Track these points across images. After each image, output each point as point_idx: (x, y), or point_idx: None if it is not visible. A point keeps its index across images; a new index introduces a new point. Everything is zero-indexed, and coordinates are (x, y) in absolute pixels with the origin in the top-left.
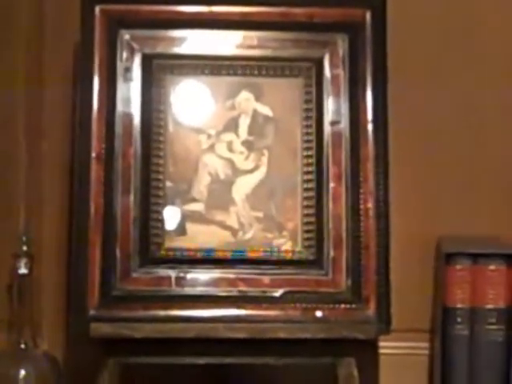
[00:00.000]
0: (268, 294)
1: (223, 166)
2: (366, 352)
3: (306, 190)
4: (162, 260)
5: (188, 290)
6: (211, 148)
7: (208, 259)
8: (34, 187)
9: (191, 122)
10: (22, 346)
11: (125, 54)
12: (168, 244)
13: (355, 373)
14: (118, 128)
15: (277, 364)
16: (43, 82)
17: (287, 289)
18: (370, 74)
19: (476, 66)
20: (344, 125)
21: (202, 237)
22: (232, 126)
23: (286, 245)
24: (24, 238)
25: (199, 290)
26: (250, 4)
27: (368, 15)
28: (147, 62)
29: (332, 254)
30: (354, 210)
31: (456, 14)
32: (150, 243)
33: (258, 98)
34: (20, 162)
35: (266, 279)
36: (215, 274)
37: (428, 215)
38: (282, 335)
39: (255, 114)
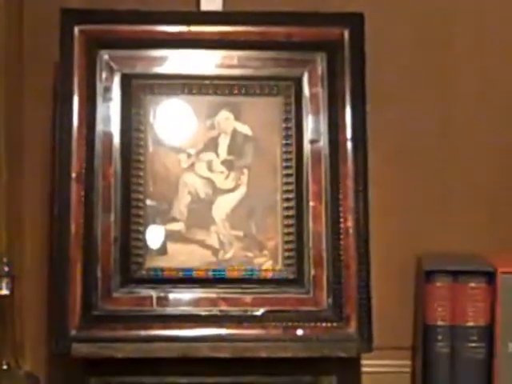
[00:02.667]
0: (249, 313)
1: (203, 186)
2: (347, 370)
3: (286, 208)
4: (143, 280)
5: (169, 310)
6: (191, 167)
7: (189, 279)
8: (15, 207)
9: (171, 142)
10: (4, 366)
11: (104, 74)
12: (149, 264)
13: None
14: (98, 147)
15: (258, 383)
16: (23, 103)
17: (268, 308)
18: (348, 92)
19: (452, 83)
20: (323, 143)
21: (182, 256)
22: (212, 145)
23: (266, 264)
24: (5, 259)
25: (181, 310)
26: (230, 23)
27: (346, 34)
28: (126, 81)
29: (313, 272)
30: (334, 229)
31: (432, 31)
32: (130, 263)
33: (237, 117)
34: (0, 182)
35: (248, 298)
36: (196, 293)
37: (408, 233)
38: (263, 354)
39: (235, 133)
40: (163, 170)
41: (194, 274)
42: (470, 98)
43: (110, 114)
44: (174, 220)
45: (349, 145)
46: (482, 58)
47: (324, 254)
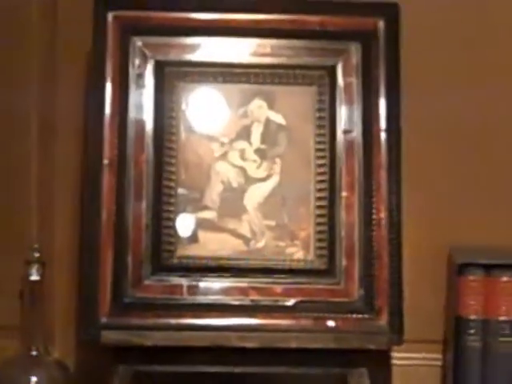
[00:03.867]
0: (280, 304)
1: (236, 174)
2: (378, 363)
3: (319, 198)
4: (173, 268)
5: (200, 299)
6: (224, 156)
7: (220, 267)
8: (46, 194)
9: (204, 130)
10: (34, 352)
11: (137, 61)
12: (180, 252)
13: (367, 383)
14: (130, 135)
15: (288, 374)
16: (56, 90)
17: (299, 298)
18: (383, 82)
19: (490, 72)
20: (357, 133)
21: (214, 245)
22: (245, 134)
23: (298, 254)
24: (36, 245)
25: (211, 299)
26: (263, 12)
27: (381, 23)
28: (160, 68)
29: (344, 263)
30: (367, 220)
31: (470, 20)
32: (161, 251)
33: (270, 106)
34: (32, 169)
35: (278, 288)
36: (227, 282)
37: (441, 225)
38: (293, 345)
39: (268, 122)
40: (195, 158)
41: (225, 262)
42: (510, 82)
43: (143, 101)
44: (206, 208)
45: (382, 135)
46: None
47: (356, 245)
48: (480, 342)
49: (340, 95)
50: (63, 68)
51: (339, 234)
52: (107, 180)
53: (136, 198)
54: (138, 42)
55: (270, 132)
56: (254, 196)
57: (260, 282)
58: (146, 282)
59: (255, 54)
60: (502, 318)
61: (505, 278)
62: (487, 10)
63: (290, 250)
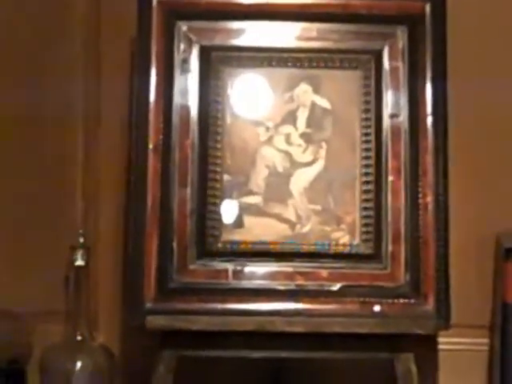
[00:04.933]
0: (326, 288)
1: (281, 159)
2: (424, 348)
3: (365, 183)
4: (219, 253)
5: (245, 284)
6: (269, 140)
7: (265, 252)
8: (91, 179)
9: (249, 115)
10: (79, 337)
11: (182, 46)
12: (225, 237)
13: (414, 368)
14: (175, 120)
15: (334, 359)
16: (101, 74)
17: (345, 283)
18: (429, 67)
19: None
20: (403, 118)
21: (259, 230)
22: (290, 118)
23: (343, 238)
24: (81, 230)
25: (256, 284)
26: None
27: (428, 7)
28: (205, 53)
29: (390, 248)
30: (413, 204)
31: None
32: (206, 236)
33: (316, 91)
34: (78, 154)
35: (324, 273)
36: (272, 267)
37: (488, 210)
38: (338, 329)
39: (313, 106)
40: (241, 142)
41: (271, 247)
42: None
43: (188, 86)
44: (251, 193)
45: (429, 120)
46: None
47: (402, 230)
48: None
49: (386, 79)
50: (108, 54)
51: (385, 219)
52: (152, 165)
53: (181, 183)
54: (183, 26)
55: (315, 116)
56: (300, 180)
57: (305, 266)
58: (191, 267)
59: (300, 39)
60: None
61: None
62: None
63: (335, 234)
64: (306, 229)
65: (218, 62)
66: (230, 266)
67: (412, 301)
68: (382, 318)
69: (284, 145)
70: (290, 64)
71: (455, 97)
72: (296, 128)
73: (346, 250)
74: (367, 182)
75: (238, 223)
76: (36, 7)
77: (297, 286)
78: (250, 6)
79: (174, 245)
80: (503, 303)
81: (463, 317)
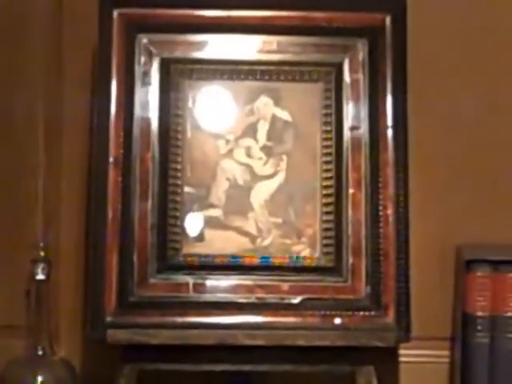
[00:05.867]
0: (287, 301)
1: (241, 172)
2: (385, 360)
3: (326, 195)
4: (179, 266)
5: (206, 297)
6: (230, 153)
7: (226, 265)
8: (51, 192)
9: (209, 127)
10: (40, 352)
11: (143, 59)
12: (186, 250)
13: (375, 381)
14: (136, 132)
15: (295, 372)
16: (62, 88)
17: (306, 296)
18: (389, 79)
19: (497, 68)
20: (363, 130)
21: (220, 243)
22: (251, 131)
23: (304, 251)
24: (41, 244)
25: (217, 297)
26: (270, 8)
27: (388, 20)
28: (165, 66)
29: (351, 260)
30: (374, 217)
31: (475, 16)
32: (167, 249)
33: (277, 103)
34: (38, 167)
35: (285, 286)
36: (233, 280)
37: (448, 221)
38: (300, 342)
39: (274, 119)
40: (201, 155)
41: (232, 260)
42: None
43: (149, 98)
44: (212, 206)
45: (389, 132)
46: None
47: (363, 242)
48: (487, 338)
49: (346, 92)
50: (69, 66)
51: (346, 232)
52: (113, 178)
53: (142, 196)
54: (144, 39)
55: (276, 129)
56: (260, 193)
57: (266, 279)
58: (152, 281)
59: (261, 51)
60: (509, 314)
61: None
62: (496, 5)
63: (296, 247)
64: (266, 242)
65: (178, 75)
66: (190, 280)
67: (373, 313)
68: (342, 330)
69: (244, 158)
70: (250, 77)
71: (415, 109)
72: (256, 141)
73: (307, 263)
74: (328, 195)
75: (199, 236)
76: None
77: (257, 299)
78: (210, 18)
79: (135, 258)
80: (463, 315)
81: (424, 329)
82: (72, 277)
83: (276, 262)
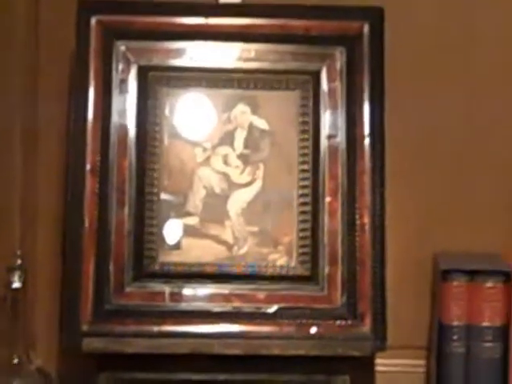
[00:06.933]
0: (262, 310)
1: (219, 180)
2: (361, 369)
3: (302, 204)
4: (156, 274)
5: (182, 306)
6: (207, 161)
7: (202, 274)
8: (28, 200)
9: (187, 135)
10: (15, 360)
11: (120, 66)
12: (162, 258)
13: None
14: (113, 140)
15: (271, 380)
16: (39, 93)
17: (282, 305)
18: (367, 88)
19: (473, 78)
20: (340, 138)
21: (196, 251)
22: (228, 139)
23: (280, 260)
24: (18, 252)
25: (193, 306)
26: (248, 16)
27: (366, 28)
28: (143, 73)
29: (327, 269)
30: (350, 225)
31: (453, 26)
32: (144, 257)
33: (254, 111)
34: (15, 174)
35: (261, 295)
36: (210, 289)
37: (425, 231)
38: (276, 352)
39: (251, 127)
40: (178, 163)
41: (208, 269)
42: (493, 92)
43: (126, 106)
44: (189, 214)
45: (366, 141)
46: (505, 51)
47: (339, 251)
48: (463, 347)
49: (324, 100)
50: (46, 72)
51: (322, 240)
52: (89, 185)
53: (118, 203)
54: (122, 46)
55: (253, 137)
56: (237, 202)
57: (242, 288)
58: (128, 289)
59: (239, 59)
60: (485, 324)
61: (488, 284)
62: (473, 15)
63: (272, 256)
64: (243, 250)
65: (155, 82)
66: (166, 288)
67: (349, 322)
68: (318, 340)
69: (222, 166)
70: (228, 84)
71: (393, 117)
72: (234, 149)
73: (283, 271)
74: (304, 204)
75: (176, 245)
76: None
77: (234, 308)
78: (189, 26)
79: (111, 266)
80: (440, 324)
81: (400, 338)
82: (48, 285)
83: (252, 270)
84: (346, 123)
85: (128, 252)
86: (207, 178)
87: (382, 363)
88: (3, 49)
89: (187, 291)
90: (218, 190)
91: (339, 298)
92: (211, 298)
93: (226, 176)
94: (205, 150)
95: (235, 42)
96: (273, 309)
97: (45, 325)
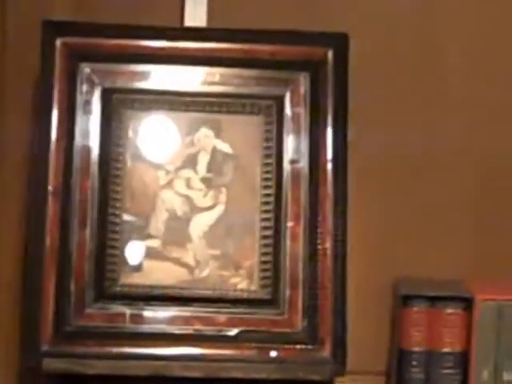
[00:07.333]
0: (223, 333)
1: (181, 203)
2: None
3: (264, 228)
4: (116, 296)
5: (143, 328)
6: (169, 184)
7: (163, 296)
8: None
9: (150, 158)
10: None
11: (85, 88)
12: (123, 280)
13: None
14: (76, 161)
15: None
16: (4, 115)
17: (243, 328)
18: (330, 113)
19: (437, 105)
20: (303, 163)
21: (158, 273)
22: (191, 162)
23: (242, 283)
24: None
25: (154, 328)
26: (213, 40)
27: (330, 54)
28: (107, 95)
29: (288, 293)
30: (312, 250)
31: (417, 53)
32: (105, 278)
33: (217, 135)
34: None
35: (222, 318)
36: (171, 311)
37: (386, 256)
38: (236, 375)
39: (215, 150)
40: (141, 185)
41: (170, 291)
42: (455, 117)
43: (90, 127)
44: (151, 237)
45: (329, 166)
46: (469, 77)
47: (300, 276)
48: (423, 373)
49: (287, 125)
50: (11, 93)
51: (284, 265)
52: (51, 207)
53: (80, 224)
54: (86, 68)
55: (216, 161)
56: (199, 225)
57: (203, 311)
58: (89, 310)
59: (203, 83)
60: (445, 350)
61: (449, 310)
62: (435, 40)
63: (234, 279)
64: (204, 273)
65: (119, 105)
66: (127, 310)
67: (309, 346)
68: (279, 363)
69: (184, 189)
70: (191, 108)
71: (355, 143)
72: (196, 172)
73: (244, 295)
74: (266, 228)
75: (137, 266)
76: None
77: (195, 330)
78: (153, 49)
79: (72, 287)
80: (399, 349)
81: (360, 363)
82: (12, 305)
83: (213, 294)
84: (309, 148)
85: (89, 273)
86: (170, 201)
87: None
88: None
89: (148, 313)
90: (180, 213)
91: (300, 322)
92: (172, 320)
93: (188, 199)
94: (168, 172)
95: (200, 66)
96: (234, 332)
97: (6, 345)
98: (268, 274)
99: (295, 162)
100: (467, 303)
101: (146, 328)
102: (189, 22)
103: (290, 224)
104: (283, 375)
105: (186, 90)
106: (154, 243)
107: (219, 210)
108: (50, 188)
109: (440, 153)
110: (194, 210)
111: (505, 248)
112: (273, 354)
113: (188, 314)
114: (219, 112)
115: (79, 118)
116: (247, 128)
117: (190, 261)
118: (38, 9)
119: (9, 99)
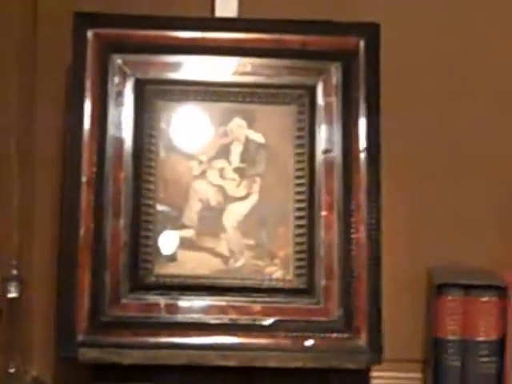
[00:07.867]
0: (258, 323)
1: (214, 193)
2: (357, 382)
3: (298, 218)
4: (151, 286)
5: (178, 317)
6: (202, 174)
7: (198, 286)
8: (26, 211)
9: (183, 148)
10: (12, 370)
11: (117, 79)
12: (158, 270)
13: None
14: (109, 152)
15: None
16: (35, 106)
17: (278, 317)
18: (362, 103)
19: (470, 95)
20: (336, 153)
21: (192, 263)
22: (224, 152)
23: (277, 273)
24: (14, 262)
25: (189, 317)
26: (244, 31)
27: (362, 43)
28: (139, 86)
29: (323, 282)
30: (346, 239)
31: (450, 42)
32: (139, 269)
33: (250, 125)
34: (12, 185)
35: (257, 307)
36: (206, 301)
37: (420, 245)
38: (272, 364)
39: (247, 141)
40: (174, 176)
41: (204, 281)
42: (487, 108)
43: (122, 118)
44: (185, 227)
45: (362, 155)
46: (503, 71)
47: (335, 265)
48: (459, 361)
49: (320, 115)
50: (43, 85)
51: (318, 254)
52: (85, 197)
53: (114, 215)
54: (118, 59)
55: (249, 151)
56: (233, 215)
57: (238, 300)
58: (124, 301)
59: (236, 73)
60: (480, 339)
61: (484, 299)
62: (470, 32)
63: (268, 269)
64: (239, 263)
65: (152, 96)
66: (162, 300)
67: (345, 335)
68: (314, 352)
69: (217, 179)
70: (224, 98)
71: (388, 132)
72: (229, 162)
73: (280, 284)
74: (300, 217)
75: (171, 257)
76: None
77: (230, 320)
78: (185, 40)
79: (107, 278)
80: (435, 338)
81: (396, 351)
82: (45, 295)
83: (248, 283)
84: (342, 138)
85: (124, 263)
86: (203, 191)
87: (378, 376)
88: (0, 62)
89: (183, 303)
90: (213, 203)
91: (335, 311)
92: (207, 309)
93: (221, 189)
94: (200, 163)
95: (231, 56)
96: (269, 321)
97: (41, 335)
98: (303, 263)
99: (328, 151)
100: (501, 291)
101: (180, 318)
102: (220, 12)
103: (323, 213)
104: (318, 364)
105: (218, 80)
106: (188, 233)
107: (253, 199)
108: (83, 179)
109: (471, 142)
110: (228, 199)
111: None
112: (308, 343)
113: (223, 303)
114: (251, 102)
115: (111, 109)
116: (279, 118)
117: (224, 251)
118: (70, 0)
119: (41, 90)
